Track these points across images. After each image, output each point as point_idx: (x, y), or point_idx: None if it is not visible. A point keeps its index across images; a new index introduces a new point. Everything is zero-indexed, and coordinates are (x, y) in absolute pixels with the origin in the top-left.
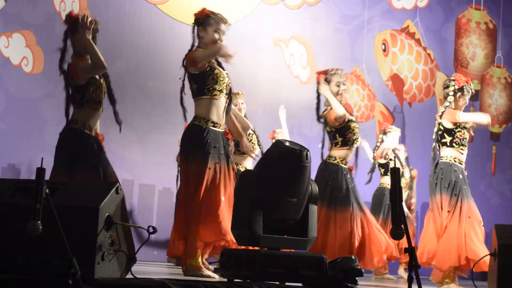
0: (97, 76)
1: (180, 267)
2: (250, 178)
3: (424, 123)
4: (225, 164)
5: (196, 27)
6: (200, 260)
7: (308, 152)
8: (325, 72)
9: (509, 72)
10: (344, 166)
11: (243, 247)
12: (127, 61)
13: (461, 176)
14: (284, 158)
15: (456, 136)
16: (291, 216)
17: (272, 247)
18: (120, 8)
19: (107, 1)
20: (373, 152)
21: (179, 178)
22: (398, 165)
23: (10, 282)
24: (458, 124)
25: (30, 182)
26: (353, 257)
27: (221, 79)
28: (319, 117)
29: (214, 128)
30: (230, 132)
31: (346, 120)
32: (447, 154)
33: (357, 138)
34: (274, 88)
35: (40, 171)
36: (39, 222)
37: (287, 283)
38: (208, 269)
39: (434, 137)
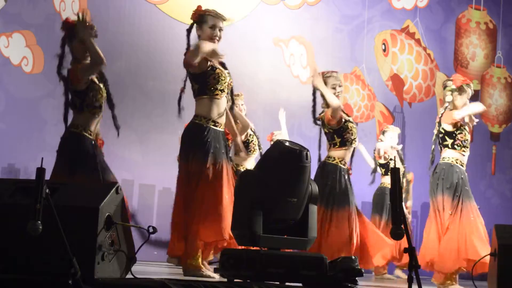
0: (96, 80)
1: (180, 267)
2: (250, 178)
3: (424, 123)
4: (226, 163)
5: (194, 27)
6: (200, 260)
7: (308, 152)
8: (321, 75)
9: (509, 72)
10: (343, 166)
11: (243, 247)
12: (127, 61)
13: (462, 177)
14: (284, 158)
15: (457, 138)
16: (291, 216)
17: (272, 247)
18: (120, 8)
19: (107, 1)
20: (374, 153)
21: (178, 176)
22: (398, 165)
23: (10, 282)
24: (458, 126)
25: (30, 182)
26: (353, 257)
27: (222, 78)
28: (315, 119)
29: (215, 127)
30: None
31: (343, 120)
32: (449, 155)
33: (355, 138)
34: (274, 88)
35: (40, 171)
36: (39, 222)
37: (287, 283)
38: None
39: (433, 139)
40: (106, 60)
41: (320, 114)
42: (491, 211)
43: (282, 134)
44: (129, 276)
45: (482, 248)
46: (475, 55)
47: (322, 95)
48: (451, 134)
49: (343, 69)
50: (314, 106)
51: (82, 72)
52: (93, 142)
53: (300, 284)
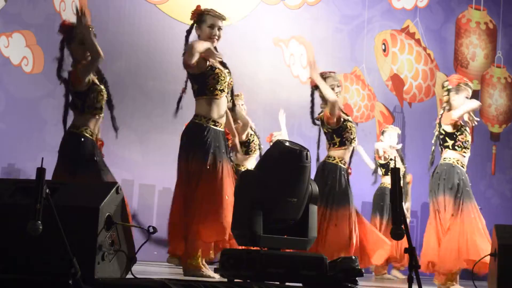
0: (97, 82)
1: (181, 267)
2: (250, 178)
3: (424, 123)
4: (226, 163)
5: (194, 28)
6: (200, 260)
7: (308, 152)
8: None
9: (509, 72)
10: (343, 166)
11: (243, 247)
12: (127, 61)
13: (463, 179)
14: (284, 158)
15: (458, 139)
16: (291, 216)
17: (272, 247)
18: (120, 8)
19: (107, 1)
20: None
21: (178, 176)
22: (398, 165)
23: (10, 282)
24: (459, 127)
25: (30, 182)
26: (353, 257)
27: (222, 78)
28: (313, 120)
29: (215, 127)
30: None
31: (342, 119)
32: (450, 156)
33: (354, 138)
34: (274, 88)
35: (40, 171)
36: (39, 222)
37: (287, 283)
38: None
39: (433, 141)
40: (106, 60)
41: (319, 114)
42: (491, 211)
43: (282, 135)
44: (129, 276)
45: (484, 247)
46: (475, 55)
47: (320, 92)
48: (451, 135)
49: (343, 69)
50: (312, 107)
51: (82, 72)
52: (93, 143)
53: (300, 284)
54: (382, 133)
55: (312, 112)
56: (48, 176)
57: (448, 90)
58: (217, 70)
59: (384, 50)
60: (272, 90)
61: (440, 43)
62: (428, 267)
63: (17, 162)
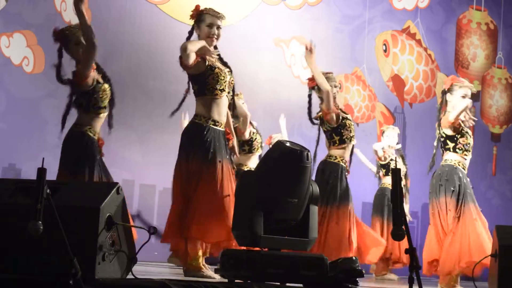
0: (101, 81)
1: (181, 267)
2: (251, 178)
3: (425, 123)
4: (226, 162)
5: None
6: (200, 260)
7: (308, 153)
8: (313, 79)
9: (510, 73)
10: (344, 165)
11: (244, 247)
12: (127, 61)
13: (465, 181)
14: (285, 158)
15: (459, 142)
16: (292, 216)
17: (272, 248)
18: (120, 7)
19: (108, 1)
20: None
21: (178, 176)
22: (399, 165)
23: (10, 282)
24: (459, 130)
25: (31, 182)
26: (353, 258)
27: (222, 78)
28: (311, 119)
29: (215, 127)
30: None
31: (341, 117)
32: (451, 158)
33: (353, 136)
34: (275, 89)
35: (41, 171)
36: (40, 222)
37: (287, 284)
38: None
39: (435, 144)
40: (106, 59)
41: (317, 113)
42: (492, 212)
43: (282, 137)
44: (129, 276)
45: (488, 246)
46: (476, 56)
47: (318, 92)
48: (452, 138)
49: (343, 69)
50: (309, 108)
51: (83, 67)
52: (96, 143)
53: (300, 285)
54: (382, 134)
55: (309, 113)
56: (49, 176)
57: (443, 92)
58: (216, 70)
59: (385, 51)
60: (272, 91)
61: (441, 43)
62: (430, 269)
63: (18, 162)
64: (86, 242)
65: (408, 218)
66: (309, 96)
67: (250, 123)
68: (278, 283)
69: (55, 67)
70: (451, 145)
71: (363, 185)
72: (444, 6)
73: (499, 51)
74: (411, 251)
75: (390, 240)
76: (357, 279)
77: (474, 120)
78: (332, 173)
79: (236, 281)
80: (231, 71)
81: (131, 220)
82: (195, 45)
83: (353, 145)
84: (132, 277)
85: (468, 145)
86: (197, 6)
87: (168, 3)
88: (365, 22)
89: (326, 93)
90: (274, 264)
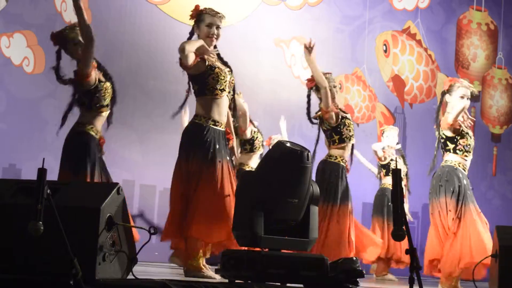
0: (103, 79)
1: (182, 267)
2: (251, 178)
3: (425, 124)
4: (226, 162)
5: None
6: (201, 261)
7: (309, 153)
8: (313, 80)
9: (510, 73)
10: (344, 164)
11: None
12: (127, 61)
13: (465, 182)
14: (285, 158)
15: (459, 143)
16: (292, 217)
17: (273, 248)
18: (121, 7)
19: (108, 1)
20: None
21: (178, 175)
22: (400, 165)
23: (11, 282)
24: (460, 131)
25: (32, 182)
26: (354, 258)
27: (222, 77)
28: (310, 118)
29: (215, 127)
30: None
31: (340, 117)
32: (451, 158)
33: (353, 135)
34: (275, 89)
35: (42, 171)
36: (41, 222)
37: (288, 284)
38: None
39: (436, 145)
40: (106, 59)
41: (316, 113)
42: (492, 212)
43: (282, 138)
44: (130, 276)
45: (489, 247)
46: (476, 56)
47: (318, 93)
48: (452, 139)
49: (344, 69)
50: (308, 108)
51: (83, 64)
52: (97, 141)
53: (301, 285)
54: (382, 133)
55: (308, 113)
56: (49, 176)
57: (443, 93)
58: (216, 70)
59: (385, 51)
60: (273, 91)
61: (441, 44)
62: (431, 268)
63: (18, 163)
64: (87, 242)
65: (409, 218)
66: (308, 96)
67: (251, 121)
68: (279, 284)
69: (53, 69)
70: (451, 146)
71: (363, 185)
72: (445, 7)
73: (499, 52)
74: (412, 252)
75: (392, 240)
76: (358, 279)
77: (472, 120)
78: (333, 173)
79: (236, 281)
80: (231, 70)
81: (131, 221)
82: (193, 45)
83: (352, 144)
84: (133, 277)
85: (469, 146)
86: (197, 6)
87: (169, 3)
88: (366, 23)
89: (324, 91)
90: (274, 265)
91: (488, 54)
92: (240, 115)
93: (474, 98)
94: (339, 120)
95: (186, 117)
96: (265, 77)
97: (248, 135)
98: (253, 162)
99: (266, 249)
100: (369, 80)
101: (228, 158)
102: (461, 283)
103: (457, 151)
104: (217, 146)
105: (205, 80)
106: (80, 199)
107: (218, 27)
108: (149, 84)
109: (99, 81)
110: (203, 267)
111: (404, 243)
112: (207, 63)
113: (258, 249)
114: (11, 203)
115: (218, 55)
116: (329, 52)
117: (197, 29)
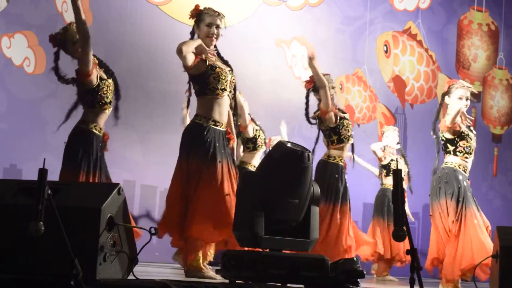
0: (104, 76)
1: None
2: (252, 179)
3: (425, 124)
4: (227, 162)
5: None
6: (201, 261)
7: (309, 153)
8: (312, 80)
9: (511, 73)
10: (342, 164)
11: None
12: (128, 61)
13: (465, 184)
14: (286, 159)
15: (459, 145)
16: (293, 217)
17: (273, 248)
18: (121, 8)
19: (109, 1)
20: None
21: (178, 174)
22: (401, 166)
23: (11, 282)
24: (459, 133)
25: (32, 182)
26: (354, 258)
27: (223, 77)
28: (308, 119)
29: (215, 127)
30: None
31: (339, 117)
32: (452, 160)
33: (351, 135)
34: (276, 89)
35: (42, 171)
36: (41, 222)
37: (288, 285)
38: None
39: (436, 149)
40: (107, 60)
41: (314, 113)
42: (493, 213)
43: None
44: (131, 277)
45: (490, 248)
46: (477, 57)
47: (319, 95)
48: (452, 141)
49: (345, 70)
50: (307, 109)
51: (83, 63)
52: (100, 140)
53: (301, 286)
54: (382, 134)
55: (307, 114)
56: (50, 176)
57: (443, 95)
58: (217, 69)
59: (386, 52)
60: (273, 91)
61: (442, 44)
62: (432, 265)
63: (19, 163)
64: (87, 242)
65: (410, 218)
66: (307, 97)
67: (253, 120)
68: (279, 284)
69: (53, 70)
70: (451, 148)
71: (364, 186)
72: (445, 7)
73: (500, 52)
74: (412, 252)
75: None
76: (358, 280)
77: (470, 120)
78: (333, 173)
79: (237, 281)
80: (232, 70)
81: (132, 221)
82: (190, 46)
83: (352, 144)
84: (133, 277)
85: (469, 148)
86: (197, 6)
87: (169, 3)
88: (366, 23)
89: (324, 91)
90: (275, 265)
91: (489, 55)
92: (239, 112)
93: (475, 97)
94: (338, 120)
95: (187, 115)
96: (266, 77)
97: (251, 133)
98: (256, 161)
99: (267, 250)
100: (370, 81)
101: (228, 158)
102: (461, 284)
103: (457, 153)
104: (217, 146)
105: (206, 80)
106: (81, 200)
107: (218, 27)
108: (150, 85)
109: (101, 79)
110: (203, 267)
111: (407, 243)
112: (207, 63)
113: (258, 249)
114: (12, 204)
115: (218, 54)
116: (329, 52)
117: (197, 28)
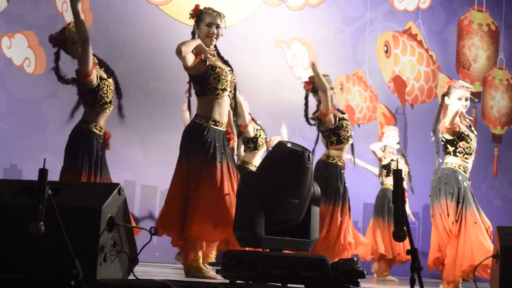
0: (104, 76)
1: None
2: (252, 179)
3: (426, 124)
4: (227, 162)
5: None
6: (201, 261)
7: (310, 154)
8: (311, 81)
9: (511, 74)
10: (341, 164)
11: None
12: (128, 62)
13: (465, 184)
14: (286, 159)
15: (459, 146)
16: (293, 217)
17: (274, 249)
18: (121, 8)
19: (109, 2)
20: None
21: (178, 174)
22: (401, 166)
23: (11, 282)
24: (459, 134)
25: (33, 183)
26: (355, 258)
27: (223, 77)
28: (308, 119)
29: (215, 127)
30: None
31: (338, 118)
32: (452, 161)
33: (351, 135)
34: (276, 89)
35: (43, 172)
36: (42, 223)
37: (288, 285)
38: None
39: (436, 150)
40: (107, 60)
41: (313, 114)
42: (493, 213)
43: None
44: (131, 277)
45: (490, 249)
46: (477, 57)
47: (318, 96)
48: (452, 142)
49: (345, 70)
50: (306, 110)
51: (83, 63)
52: (101, 139)
53: (302, 286)
54: (382, 134)
55: (306, 115)
56: (50, 176)
57: (443, 96)
58: (217, 69)
59: (386, 52)
60: (274, 91)
61: (442, 44)
62: (434, 263)
63: (19, 163)
64: (88, 243)
65: (411, 218)
66: (306, 98)
67: (253, 120)
68: (280, 284)
69: (53, 70)
70: (451, 149)
71: (364, 186)
72: (446, 7)
73: (501, 52)
74: (413, 252)
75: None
76: (359, 280)
77: (470, 120)
78: (333, 174)
79: (237, 281)
80: (232, 70)
81: (132, 221)
82: (189, 46)
83: (352, 144)
84: (134, 277)
85: (469, 149)
86: (197, 6)
87: (169, 4)
88: (367, 23)
89: (324, 94)
90: (275, 265)
91: (489, 55)
92: (238, 112)
93: (475, 97)
94: (337, 122)
95: (187, 113)
96: (266, 77)
97: (252, 133)
98: (257, 160)
99: (267, 250)
100: (370, 81)
101: (228, 158)
102: (462, 284)
103: (457, 154)
104: (217, 146)
105: (206, 80)
106: (81, 200)
107: (218, 27)
108: (150, 85)
109: (101, 79)
110: (203, 268)
111: (408, 243)
112: (208, 63)
113: (259, 249)
114: (12, 204)
115: (219, 54)
116: (330, 52)
117: (197, 28)
